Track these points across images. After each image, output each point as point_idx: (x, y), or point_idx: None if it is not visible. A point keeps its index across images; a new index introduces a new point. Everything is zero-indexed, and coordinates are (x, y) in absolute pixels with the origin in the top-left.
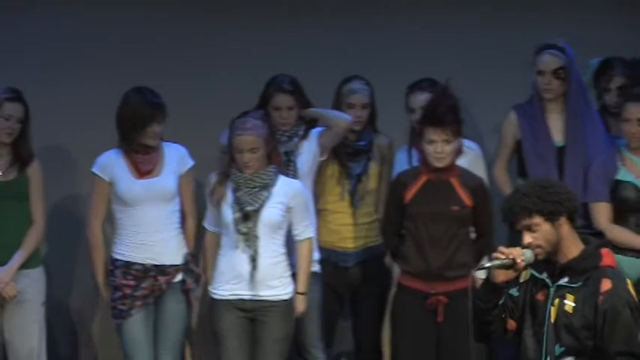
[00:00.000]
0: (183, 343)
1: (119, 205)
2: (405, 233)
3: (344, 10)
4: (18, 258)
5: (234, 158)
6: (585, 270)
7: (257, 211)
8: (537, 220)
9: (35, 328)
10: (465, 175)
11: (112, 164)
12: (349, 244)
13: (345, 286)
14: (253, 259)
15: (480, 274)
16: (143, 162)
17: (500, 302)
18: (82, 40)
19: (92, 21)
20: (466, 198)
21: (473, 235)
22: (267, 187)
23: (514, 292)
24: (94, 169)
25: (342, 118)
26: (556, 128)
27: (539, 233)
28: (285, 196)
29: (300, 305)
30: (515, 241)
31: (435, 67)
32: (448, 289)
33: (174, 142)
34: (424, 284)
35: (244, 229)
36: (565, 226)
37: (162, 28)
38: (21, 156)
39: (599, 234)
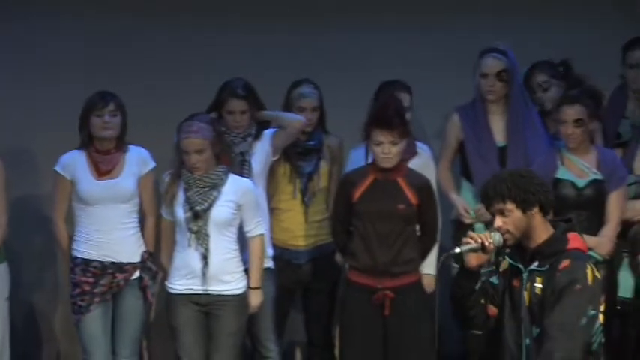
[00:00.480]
0: (140, 338)
1: (79, 203)
2: (353, 231)
3: (296, 15)
4: None
5: (182, 160)
6: (553, 253)
7: (206, 211)
8: (510, 206)
9: None
10: (411, 175)
11: (74, 164)
12: (301, 242)
13: (297, 282)
14: (204, 257)
15: (426, 270)
16: (103, 162)
17: (477, 287)
18: (46, 44)
19: (56, 25)
20: (412, 197)
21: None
22: (216, 186)
23: (494, 279)
24: (57, 168)
25: (296, 120)
26: (498, 129)
27: (509, 219)
28: (235, 195)
29: (254, 300)
30: (459, 239)
31: (383, 70)
32: (395, 284)
33: (139, 145)
34: (372, 279)
35: (195, 228)
36: (537, 217)
37: (124, 34)
38: None
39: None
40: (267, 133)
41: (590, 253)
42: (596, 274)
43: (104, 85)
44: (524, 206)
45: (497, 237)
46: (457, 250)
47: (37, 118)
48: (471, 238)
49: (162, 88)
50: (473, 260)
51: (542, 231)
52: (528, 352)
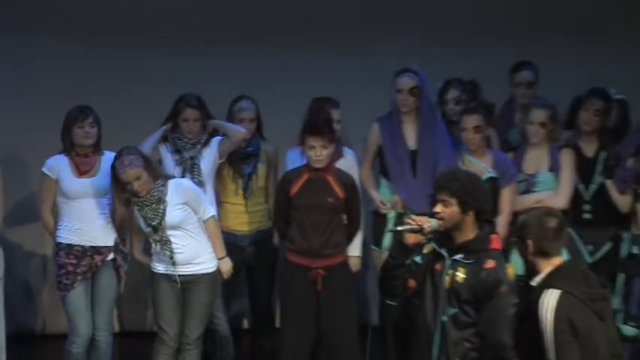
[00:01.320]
0: (113, 308)
1: (62, 198)
2: (291, 220)
3: (239, 40)
4: None
5: (126, 189)
6: (477, 250)
7: (160, 222)
8: (453, 201)
9: None
10: (339, 174)
11: (58, 165)
12: (244, 228)
13: (242, 262)
14: (171, 257)
15: (352, 253)
16: (83, 164)
17: (407, 262)
18: (36, 66)
19: (43, 49)
20: (339, 192)
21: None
22: (160, 200)
23: (418, 259)
24: (44, 169)
25: (240, 131)
26: (410, 136)
27: (448, 210)
28: (178, 197)
29: (224, 267)
30: (378, 226)
31: (312, 87)
32: (326, 264)
33: (112, 151)
34: (306, 260)
35: (157, 238)
36: (470, 218)
37: (97, 57)
38: None
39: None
40: (215, 140)
41: None
42: (511, 270)
43: (84, 102)
44: (463, 206)
45: (434, 222)
46: (399, 228)
47: (28, 129)
48: (413, 220)
49: (130, 104)
50: (411, 239)
51: (470, 230)
52: (443, 328)
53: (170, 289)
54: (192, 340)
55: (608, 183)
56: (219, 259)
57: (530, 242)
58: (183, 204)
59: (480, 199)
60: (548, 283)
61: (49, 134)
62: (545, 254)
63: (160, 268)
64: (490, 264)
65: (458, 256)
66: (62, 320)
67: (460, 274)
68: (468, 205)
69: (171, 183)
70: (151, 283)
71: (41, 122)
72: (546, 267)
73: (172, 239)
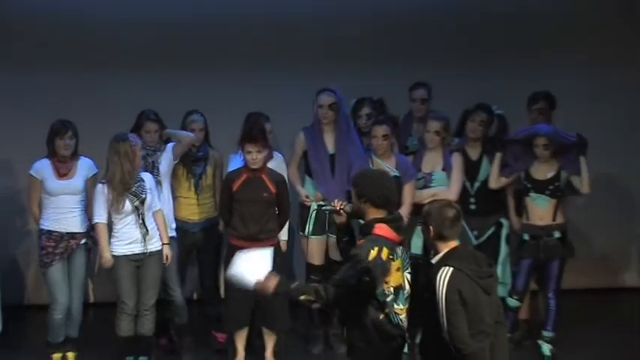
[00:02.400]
0: (85, 283)
1: (45, 194)
2: (233, 211)
3: (188, 66)
4: None
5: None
6: (364, 233)
7: (145, 198)
8: (354, 191)
9: None
10: (271, 173)
11: (43, 168)
12: (195, 217)
13: (193, 244)
14: (147, 232)
15: (282, 237)
16: (62, 167)
17: (344, 237)
18: (22, 90)
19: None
20: (272, 188)
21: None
22: (143, 179)
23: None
24: (31, 172)
25: (189, 136)
26: (329, 142)
27: (354, 199)
28: (151, 183)
29: (167, 251)
30: (304, 215)
31: (248, 104)
32: (261, 246)
33: (88, 156)
34: (246, 243)
35: (138, 213)
36: (366, 206)
37: (73, 79)
38: None
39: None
40: (169, 146)
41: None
42: (382, 255)
43: (64, 116)
44: (359, 196)
45: (348, 207)
46: (327, 207)
47: (15, 137)
48: (335, 204)
49: (97, 119)
50: (339, 219)
51: (367, 216)
52: None
53: (128, 267)
54: (149, 307)
55: (498, 156)
56: (163, 244)
57: (431, 228)
58: (150, 190)
59: (369, 192)
60: (443, 261)
61: (35, 141)
62: (444, 238)
63: (120, 250)
64: (360, 242)
65: (358, 238)
66: (44, 294)
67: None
68: (361, 195)
69: (144, 173)
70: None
71: (30, 132)
72: (444, 248)
73: (146, 218)
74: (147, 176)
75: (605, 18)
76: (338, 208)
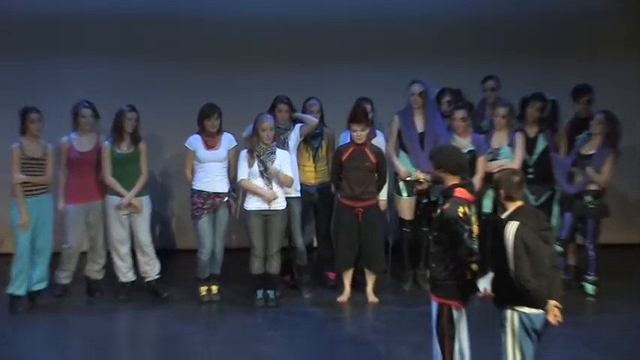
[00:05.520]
0: (226, 232)
1: (197, 162)
2: (342, 176)
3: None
4: None
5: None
6: (446, 196)
7: (269, 165)
8: (435, 164)
9: None
10: (372, 147)
11: (195, 141)
12: (313, 181)
13: (311, 203)
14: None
15: (381, 197)
16: (210, 141)
17: (426, 200)
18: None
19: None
20: (373, 158)
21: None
22: (274, 152)
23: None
24: (186, 144)
25: (313, 121)
26: (419, 123)
27: (432, 170)
28: (283, 157)
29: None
30: (397, 182)
31: (355, 93)
32: (364, 205)
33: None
34: (351, 202)
35: (267, 176)
36: (446, 175)
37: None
38: None
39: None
40: (297, 126)
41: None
42: (466, 210)
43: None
44: (437, 167)
45: (428, 177)
46: (411, 178)
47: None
48: (417, 175)
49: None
50: (421, 186)
51: (446, 182)
52: (428, 244)
53: (259, 220)
54: (274, 252)
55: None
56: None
57: (501, 191)
58: (281, 163)
59: (447, 163)
60: (511, 217)
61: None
62: (512, 199)
63: (252, 206)
64: (446, 206)
65: (441, 200)
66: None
67: (438, 211)
68: (440, 167)
69: (280, 150)
70: (246, 218)
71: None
72: (511, 207)
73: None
74: (280, 152)
75: None
76: (420, 178)
